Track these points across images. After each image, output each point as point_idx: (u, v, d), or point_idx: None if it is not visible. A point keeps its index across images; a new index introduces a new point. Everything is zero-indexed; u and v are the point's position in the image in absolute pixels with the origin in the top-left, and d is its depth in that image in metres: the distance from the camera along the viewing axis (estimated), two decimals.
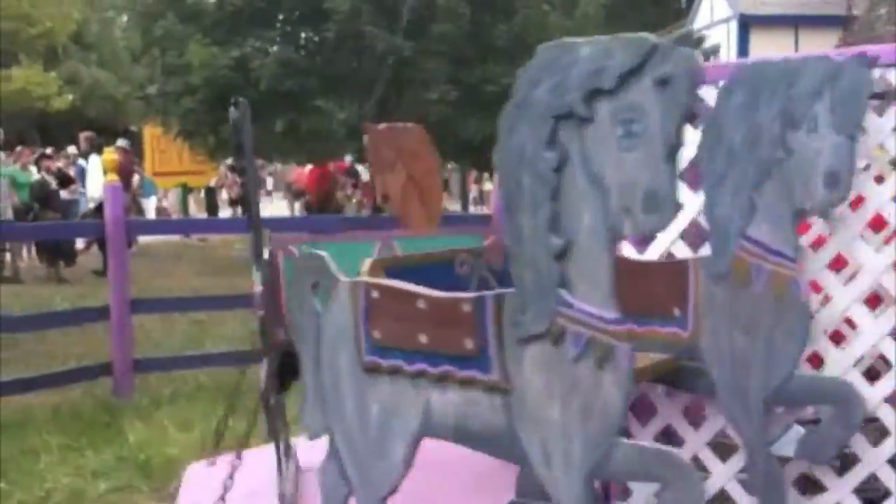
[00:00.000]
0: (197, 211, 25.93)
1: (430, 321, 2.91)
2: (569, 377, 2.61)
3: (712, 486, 3.77)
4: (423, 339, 2.91)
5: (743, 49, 19.44)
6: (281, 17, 18.99)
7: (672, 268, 3.74)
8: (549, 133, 2.56)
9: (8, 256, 15.56)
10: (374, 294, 3.05)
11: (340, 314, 3.10)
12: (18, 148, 17.39)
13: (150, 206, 21.94)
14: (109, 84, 35.52)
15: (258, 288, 4.37)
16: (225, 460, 4.83)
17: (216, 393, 7.27)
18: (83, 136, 17.22)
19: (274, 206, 30.37)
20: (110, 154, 8.72)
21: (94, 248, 16.30)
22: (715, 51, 21.25)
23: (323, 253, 3.25)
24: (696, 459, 3.81)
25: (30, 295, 13.10)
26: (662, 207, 2.42)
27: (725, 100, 3.49)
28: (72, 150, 19.28)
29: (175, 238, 20.77)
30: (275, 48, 18.49)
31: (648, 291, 3.61)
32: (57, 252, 15.20)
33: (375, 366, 3.02)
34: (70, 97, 30.25)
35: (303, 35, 19.28)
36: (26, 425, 6.84)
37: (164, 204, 25.22)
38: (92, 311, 8.64)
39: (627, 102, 2.45)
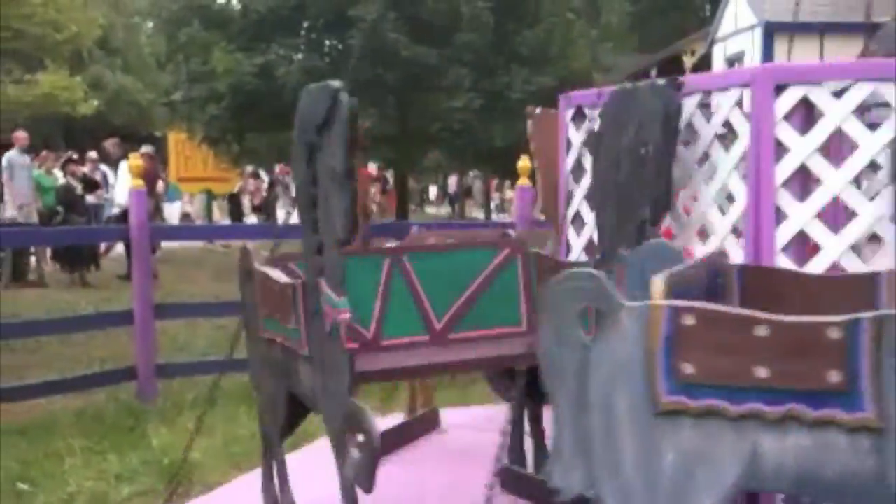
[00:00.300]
0: (221, 217, 25.99)
1: (775, 351, 2.46)
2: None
3: None
4: (762, 373, 2.46)
5: (768, 56, 19.32)
6: (306, 24, 19.05)
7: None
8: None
9: (33, 260, 15.65)
10: (688, 321, 2.55)
11: (622, 347, 2.61)
12: (43, 152, 17.47)
13: (174, 212, 22.00)
14: (135, 90, 35.69)
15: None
16: None
17: (239, 398, 7.31)
18: (111, 141, 17.29)
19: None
20: (136, 160, 8.75)
21: (116, 253, 16.41)
22: (739, 58, 21.17)
23: (597, 272, 2.76)
24: None
25: (54, 299, 13.16)
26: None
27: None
28: (92, 154, 19.32)
29: (198, 244, 20.84)
30: (299, 55, 18.56)
31: None
32: (78, 257, 15.24)
33: (678, 407, 2.55)
34: (95, 102, 30.37)
35: (327, 42, 19.34)
36: (50, 429, 6.88)
37: (189, 209, 25.30)
38: (116, 315, 8.69)
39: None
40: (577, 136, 4.49)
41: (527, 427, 4.98)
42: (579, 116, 4.58)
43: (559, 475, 2.71)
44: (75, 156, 17.85)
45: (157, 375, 7.83)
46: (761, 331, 2.48)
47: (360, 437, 3.37)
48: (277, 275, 3.99)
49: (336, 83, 3.29)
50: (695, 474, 2.53)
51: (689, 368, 2.53)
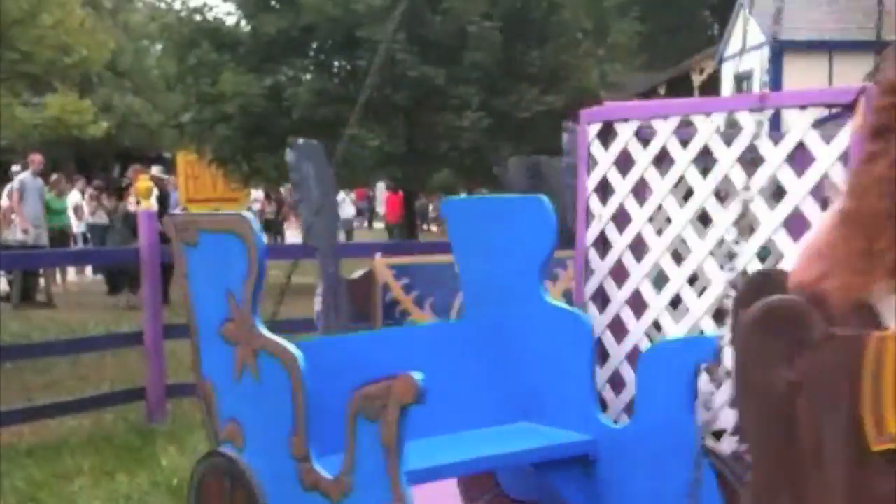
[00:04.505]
0: None
1: None
2: None
3: None
4: None
5: (776, 75, 19.33)
6: (314, 45, 19.09)
7: None
8: None
9: (42, 282, 15.68)
10: None
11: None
12: (54, 176, 17.51)
13: None
14: (144, 112, 35.84)
15: None
16: None
17: None
18: (133, 168, 17.23)
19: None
20: (145, 182, 8.77)
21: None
22: (748, 76, 21.17)
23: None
24: None
25: (64, 319, 13.18)
26: None
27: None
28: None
29: None
30: (308, 76, 18.59)
31: None
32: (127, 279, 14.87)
33: None
34: (105, 125, 30.49)
35: (336, 63, 19.38)
36: (59, 449, 6.87)
37: None
38: (125, 336, 8.70)
39: None
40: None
41: None
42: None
43: None
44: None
45: (167, 396, 7.82)
46: None
47: None
48: None
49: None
50: None
51: None
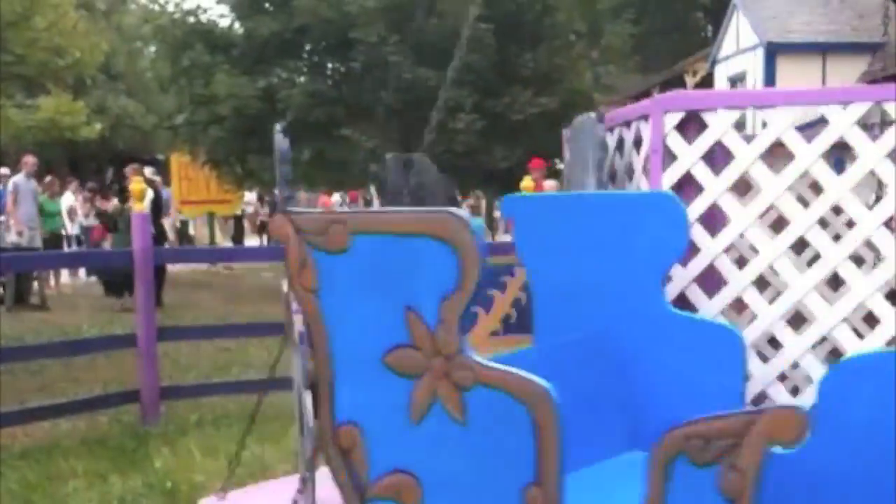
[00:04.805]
0: (222, 237, 26.04)
1: None
2: None
3: None
4: None
5: (770, 77, 19.37)
6: (308, 47, 19.09)
7: None
8: None
9: (35, 284, 15.66)
10: None
11: None
12: (48, 178, 17.49)
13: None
14: (137, 113, 35.81)
15: None
16: (237, 493, 4.80)
17: (243, 420, 7.29)
18: (131, 167, 17.20)
19: None
20: (139, 184, 8.75)
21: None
22: (741, 78, 21.22)
23: None
24: None
25: (57, 322, 13.16)
26: None
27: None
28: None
29: (202, 266, 20.86)
30: (302, 78, 18.59)
31: None
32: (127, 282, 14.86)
33: None
34: (98, 126, 30.47)
35: (329, 65, 19.38)
36: (53, 452, 6.86)
37: (192, 231, 25.34)
38: (119, 338, 8.69)
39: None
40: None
41: None
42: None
43: None
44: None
45: (161, 398, 7.82)
46: None
47: None
48: None
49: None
50: None
51: None
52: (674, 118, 3.94)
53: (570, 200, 4.01)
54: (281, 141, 3.44)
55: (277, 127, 3.77)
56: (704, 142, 3.91)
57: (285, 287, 4.22)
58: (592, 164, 4.14)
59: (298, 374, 3.76)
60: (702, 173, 3.92)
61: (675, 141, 3.94)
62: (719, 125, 3.88)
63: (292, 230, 3.04)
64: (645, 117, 4.07)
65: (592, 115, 4.24)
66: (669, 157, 3.96)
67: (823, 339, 3.95)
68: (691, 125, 3.95)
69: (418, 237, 2.87)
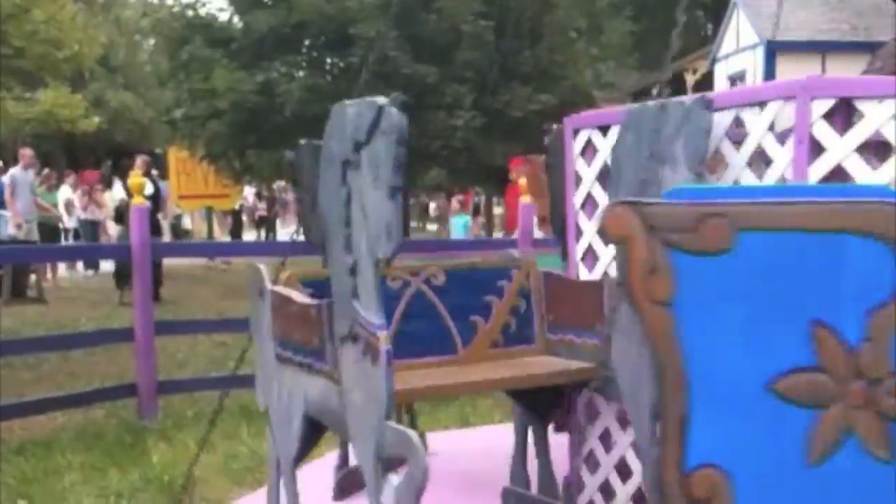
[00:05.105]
0: (220, 232, 26.02)
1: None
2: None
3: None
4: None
5: (770, 76, 19.36)
6: (307, 42, 19.06)
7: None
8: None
9: (32, 277, 15.64)
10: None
11: None
12: (46, 171, 17.48)
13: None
14: (135, 107, 35.79)
15: None
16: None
17: (240, 415, 7.29)
18: (141, 158, 17.13)
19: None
20: (137, 178, 8.73)
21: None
22: (741, 77, 21.21)
23: None
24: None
25: (54, 315, 13.15)
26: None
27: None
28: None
29: (199, 261, 20.84)
30: (301, 73, 18.57)
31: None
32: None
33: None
34: (96, 120, 30.43)
35: (328, 60, 19.35)
36: (50, 445, 6.85)
37: (189, 226, 25.31)
38: (116, 332, 8.67)
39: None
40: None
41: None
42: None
43: None
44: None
45: (158, 392, 7.80)
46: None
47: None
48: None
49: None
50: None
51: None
52: (823, 105, 3.49)
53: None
54: (397, 117, 3.05)
55: (389, 99, 3.16)
56: (861, 132, 3.43)
57: (267, 285, 4.18)
58: (686, 157, 3.65)
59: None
60: (856, 167, 3.42)
61: (824, 130, 3.48)
62: (879, 115, 3.39)
63: (640, 227, 2.39)
64: (785, 99, 3.63)
65: (683, 99, 3.77)
66: (816, 148, 3.52)
67: None
68: (835, 115, 3.52)
69: (837, 233, 2.38)
